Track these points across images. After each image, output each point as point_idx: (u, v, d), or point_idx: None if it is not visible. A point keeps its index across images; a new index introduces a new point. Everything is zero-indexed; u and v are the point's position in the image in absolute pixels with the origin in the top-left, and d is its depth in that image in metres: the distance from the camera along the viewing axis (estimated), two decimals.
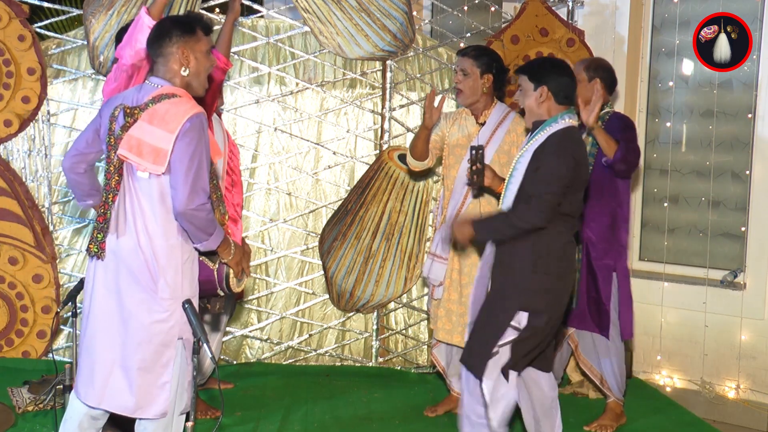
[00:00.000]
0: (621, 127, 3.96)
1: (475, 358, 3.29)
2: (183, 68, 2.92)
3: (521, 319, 3.21)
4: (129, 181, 2.89)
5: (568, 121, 3.30)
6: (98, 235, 2.90)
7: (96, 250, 2.90)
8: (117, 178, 2.89)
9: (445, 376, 4.27)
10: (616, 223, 4.03)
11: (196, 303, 2.98)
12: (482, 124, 3.99)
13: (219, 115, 4.29)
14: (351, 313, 5.05)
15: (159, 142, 2.81)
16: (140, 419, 2.95)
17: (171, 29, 2.92)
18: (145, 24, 3.30)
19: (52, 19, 5.56)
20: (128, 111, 2.87)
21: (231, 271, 3.05)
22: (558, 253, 3.27)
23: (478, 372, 3.26)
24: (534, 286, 3.23)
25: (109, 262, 2.90)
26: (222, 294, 3.11)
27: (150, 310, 2.86)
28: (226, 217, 3.15)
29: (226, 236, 3.00)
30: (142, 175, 2.86)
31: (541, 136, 3.27)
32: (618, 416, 4.14)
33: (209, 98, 3.91)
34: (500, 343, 3.22)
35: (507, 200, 3.32)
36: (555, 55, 4.87)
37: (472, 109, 4.02)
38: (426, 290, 4.90)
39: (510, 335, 3.22)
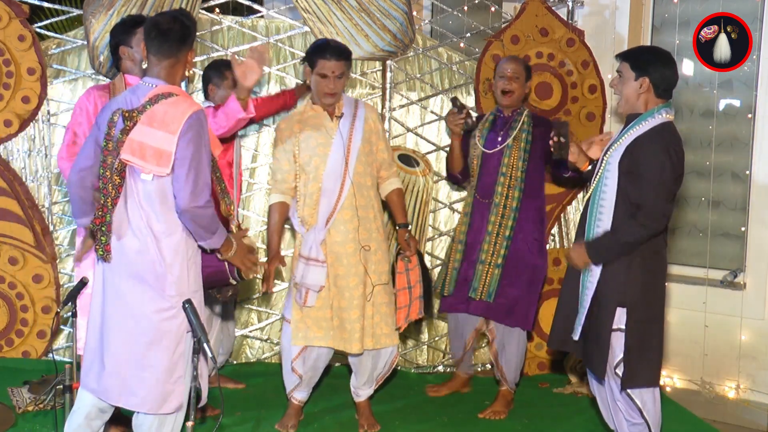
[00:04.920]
0: None
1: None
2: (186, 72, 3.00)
3: None
4: (132, 183, 2.91)
5: (665, 116, 3.24)
6: (102, 238, 2.92)
7: (102, 252, 2.92)
8: (118, 180, 2.89)
9: (300, 386, 4.03)
10: (543, 219, 4.35)
11: (201, 296, 3.04)
12: (339, 117, 3.88)
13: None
14: None
15: (161, 144, 2.82)
16: (137, 413, 3.00)
17: (189, 33, 2.98)
18: (239, 116, 3.67)
19: (52, 19, 5.56)
20: (126, 115, 2.87)
21: None
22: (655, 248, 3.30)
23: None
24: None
25: (115, 263, 2.93)
26: (234, 282, 3.20)
27: (158, 308, 2.91)
28: (232, 208, 3.20)
29: (229, 236, 3.04)
30: (146, 178, 2.88)
31: (635, 131, 3.22)
32: (510, 403, 4.39)
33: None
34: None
35: (602, 198, 3.29)
36: (555, 55, 4.87)
37: (326, 106, 3.88)
38: None
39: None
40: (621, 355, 3.28)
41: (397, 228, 4.04)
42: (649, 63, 3.25)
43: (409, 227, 4.10)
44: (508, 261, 4.22)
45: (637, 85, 3.25)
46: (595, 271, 3.32)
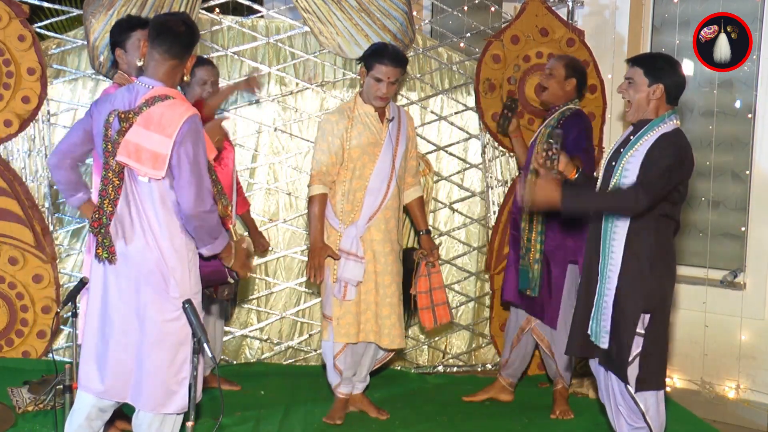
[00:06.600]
0: (576, 136, 4.02)
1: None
2: (184, 76, 2.99)
3: None
4: (131, 185, 2.90)
5: (675, 122, 3.24)
6: (104, 240, 2.91)
7: (106, 255, 2.91)
8: (117, 182, 2.89)
9: (344, 382, 4.14)
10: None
11: (200, 296, 3.04)
12: (390, 120, 4.02)
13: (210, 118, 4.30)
14: None
15: (157, 147, 2.82)
16: (138, 412, 3.01)
17: (195, 38, 2.98)
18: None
19: (52, 19, 5.56)
20: (122, 116, 2.86)
21: None
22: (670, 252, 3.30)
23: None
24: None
25: (119, 266, 2.93)
26: (232, 281, 3.23)
27: (162, 310, 2.92)
28: (230, 208, 3.20)
29: (230, 243, 3.07)
30: (143, 180, 2.88)
31: (650, 137, 3.20)
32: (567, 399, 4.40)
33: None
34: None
35: None
36: (554, 55, 4.87)
37: (377, 107, 4.00)
38: None
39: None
40: (629, 358, 3.26)
41: (422, 234, 4.21)
42: (663, 70, 3.24)
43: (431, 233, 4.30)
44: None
45: (650, 92, 3.23)
46: (612, 278, 3.27)
